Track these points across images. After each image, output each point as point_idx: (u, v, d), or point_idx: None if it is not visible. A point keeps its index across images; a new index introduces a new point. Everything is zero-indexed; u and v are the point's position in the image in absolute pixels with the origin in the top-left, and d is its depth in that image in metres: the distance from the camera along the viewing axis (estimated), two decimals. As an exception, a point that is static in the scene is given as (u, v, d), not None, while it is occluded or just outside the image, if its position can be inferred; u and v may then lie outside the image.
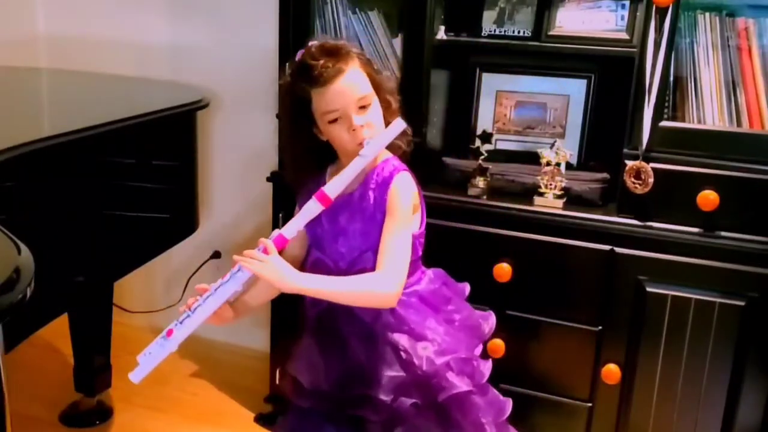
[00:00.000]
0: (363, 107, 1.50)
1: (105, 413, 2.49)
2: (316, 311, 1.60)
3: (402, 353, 1.53)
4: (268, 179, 2.37)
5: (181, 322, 1.45)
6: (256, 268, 1.43)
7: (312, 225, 1.53)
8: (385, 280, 1.48)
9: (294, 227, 1.48)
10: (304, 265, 1.62)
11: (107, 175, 2.00)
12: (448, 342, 1.56)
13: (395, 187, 1.51)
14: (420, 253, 1.61)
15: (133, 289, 2.98)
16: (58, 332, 2.43)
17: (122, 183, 2.06)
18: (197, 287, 1.49)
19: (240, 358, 2.91)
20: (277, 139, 2.35)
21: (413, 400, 1.51)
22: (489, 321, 1.70)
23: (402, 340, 1.54)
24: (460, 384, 1.54)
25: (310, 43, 1.55)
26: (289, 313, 2.35)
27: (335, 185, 1.47)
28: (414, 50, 2.11)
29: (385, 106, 1.55)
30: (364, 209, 1.53)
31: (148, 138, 2.14)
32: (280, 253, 1.47)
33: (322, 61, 1.47)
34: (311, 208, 1.47)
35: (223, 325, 1.55)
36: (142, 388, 2.62)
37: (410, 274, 1.55)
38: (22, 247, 1.20)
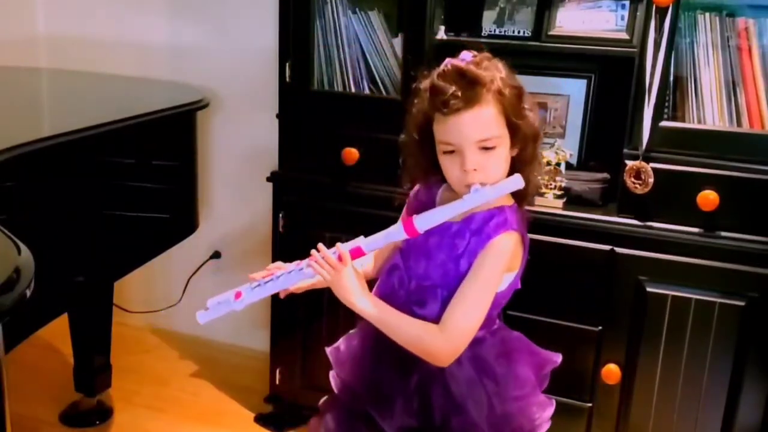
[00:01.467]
0: (485, 149, 1.36)
1: (105, 413, 2.49)
2: None
3: (426, 399, 1.45)
4: (268, 179, 2.37)
5: (252, 288, 1.47)
6: (325, 275, 1.39)
7: None
8: (443, 340, 1.37)
9: (374, 244, 1.42)
10: (383, 265, 1.55)
11: (107, 175, 2.00)
12: (477, 414, 1.44)
13: (493, 247, 1.39)
14: (496, 312, 1.49)
15: (133, 289, 2.97)
16: (58, 332, 2.43)
17: (122, 183, 2.06)
18: (273, 264, 1.51)
19: (240, 358, 2.91)
20: (277, 139, 2.37)
21: None
22: (545, 412, 1.56)
23: (430, 386, 1.45)
24: None
25: (455, 60, 1.42)
26: (289, 313, 2.35)
27: (427, 220, 1.38)
28: (414, 50, 2.11)
29: (518, 152, 1.42)
30: (455, 247, 1.42)
31: (148, 138, 2.14)
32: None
33: (453, 89, 1.34)
34: (395, 234, 1.40)
35: (287, 295, 1.55)
36: (142, 387, 2.65)
37: (480, 328, 1.43)
38: (22, 247, 1.19)
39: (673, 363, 1.95)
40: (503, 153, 1.39)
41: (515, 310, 2.07)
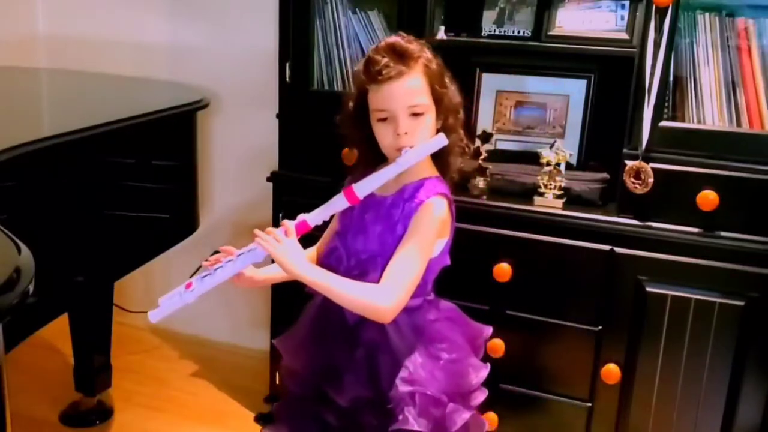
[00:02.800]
0: (414, 114, 1.49)
1: (105, 413, 2.49)
2: (321, 297, 1.58)
3: (374, 369, 1.52)
4: (268, 179, 2.37)
5: (202, 278, 1.51)
6: (270, 248, 1.46)
7: (344, 215, 1.56)
8: (384, 296, 1.47)
9: (318, 216, 1.51)
10: (323, 250, 1.64)
11: (107, 175, 2.00)
12: (421, 375, 1.51)
13: (424, 210, 1.50)
14: (430, 278, 1.58)
15: (133, 289, 2.98)
16: (58, 332, 2.43)
17: (122, 183, 2.06)
18: (222, 248, 1.54)
19: (240, 358, 2.91)
20: (277, 139, 2.37)
21: (370, 417, 1.50)
22: (480, 373, 1.62)
23: (376, 355, 1.53)
24: (414, 422, 1.47)
25: (387, 38, 1.56)
26: (289, 313, 2.35)
27: (365, 186, 1.49)
28: (414, 50, 2.11)
29: (442, 121, 1.54)
30: (391, 216, 1.53)
31: (148, 138, 2.14)
32: (303, 239, 1.49)
33: (385, 60, 1.48)
34: (337, 203, 1.50)
35: (245, 287, 1.59)
36: (142, 387, 2.65)
37: (413, 296, 1.52)
38: (22, 247, 1.20)
39: (673, 363, 1.95)
40: (430, 121, 1.52)
41: (515, 310, 2.08)
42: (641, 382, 2.00)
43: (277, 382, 2.44)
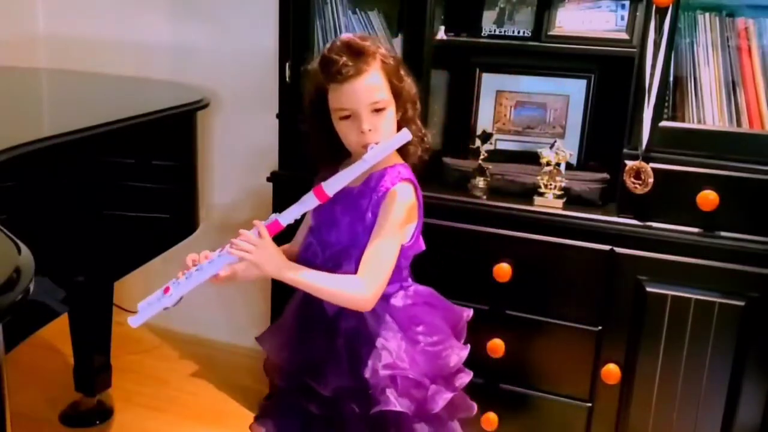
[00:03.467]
0: (376, 110, 1.51)
1: (105, 413, 2.49)
2: (302, 293, 1.60)
3: (354, 357, 1.54)
4: (268, 179, 2.37)
5: (178, 282, 1.53)
6: (244, 255, 1.46)
7: (316, 210, 1.57)
8: (362, 285, 1.49)
9: (289, 215, 1.52)
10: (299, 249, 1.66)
11: (107, 175, 1.99)
12: (401, 360, 1.53)
13: (391, 197, 1.52)
14: (405, 264, 1.61)
15: (133, 289, 2.97)
16: (58, 332, 2.43)
17: (122, 183, 2.06)
18: (190, 257, 1.55)
19: (240, 358, 2.91)
20: (277, 139, 2.37)
21: (352, 405, 1.52)
22: (461, 353, 1.63)
23: (356, 344, 1.55)
24: (396, 403, 1.49)
25: (340, 37, 1.56)
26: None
27: (334, 183, 1.50)
28: (414, 50, 2.11)
29: (402, 113, 1.56)
30: (359, 207, 1.55)
31: (148, 138, 2.14)
32: (277, 237, 1.51)
33: (343, 59, 1.48)
34: (308, 201, 1.51)
35: (224, 285, 1.58)
36: (142, 388, 2.65)
37: (390, 282, 1.54)
38: (22, 247, 1.19)
39: (673, 363, 1.95)
40: (391, 115, 1.54)
41: (515, 310, 2.08)
42: (641, 382, 2.00)
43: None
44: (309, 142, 1.66)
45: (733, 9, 1.90)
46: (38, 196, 1.76)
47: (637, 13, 2.03)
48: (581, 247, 1.99)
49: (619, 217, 1.98)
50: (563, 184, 2.05)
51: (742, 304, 1.88)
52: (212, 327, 3.02)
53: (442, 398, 1.57)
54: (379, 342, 1.55)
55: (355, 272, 1.51)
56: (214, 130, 2.83)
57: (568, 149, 2.06)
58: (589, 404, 2.06)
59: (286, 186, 2.34)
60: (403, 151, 1.58)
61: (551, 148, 2.05)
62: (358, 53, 1.50)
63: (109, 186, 2.01)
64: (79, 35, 2.96)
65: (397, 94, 1.55)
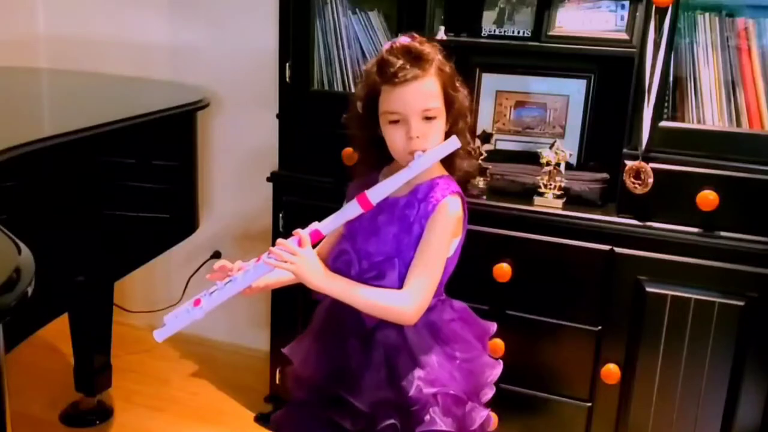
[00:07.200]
0: (427, 118, 1.48)
1: (105, 413, 2.49)
2: (329, 301, 1.58)
3: (393, 370, 1.50)
4: (268, 179, 2.37)
5: (210, 294, 1.47)
6: (288, 267, 1.44)
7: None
8: (409, 299, 1.47)
9: (331, 224, 1.49)
10: (329, 254, 1.60)
11: (107, 175, 2.00)
12: (441, 375, 1.51)
13: (441, 210, 1.49)
14: (444, 278, 1.56)
15: (133, 289, 2.98)
16: (58, 332, 2.43)
17: (122, 183, 2.06)
18: (236, 265, 1.50)
19: (240, 358, 2.91)
20: (277, 139, 2.37)
21: (392, 421, 1.47)
22: (495, 370, 1.62)
23: (397, 357, 1.51)
24: (441, 423, 1.47)
25: (398, 38, 1.54)
26: (289, 313, 2.35)
27: (379, 191, 1.47)
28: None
29: (451, 125, 1.53)
30: (406, 217, 1.51)
31: (148, 138, 2.14)
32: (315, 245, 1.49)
33: (401, 62, 1.46)
34: (351, 210, 1.48)
35: (254, 295, 1.56)
36: (142, 387, 2.65)
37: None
38: (22, 247, 1.20)
39: (673, 363, 1.96)
40: (441, 125, 1.51)
41: (515, 310, 2.08)
42: (641, 382, 2.00)
43: (277, 382, 2.44)
44: (354, 144, 1.64)
45: (733, 9, 1.90)
46: (38, 196, 1.76)
47: (637, 14, 2.03)
48: (581, 247, 1.99)
49: (618, 217, 1.98)
50: (563, 184, 2.05)
51: (741, 304, 1.88)
52: (212, 327, 3.01)
53: (479, 416, 1.55)
54: (419, 356, 1.51)
55: (399, 284, 1.48)
56: (214, 130, 2.83)
57: (567, 149, 2.06)
58: (589, 404, 2.06)
59: (286, 186, 2.35)
60: (448, 162, 1.55)
61: (551, 148, 2.05)
62: (417, 58, 1.47)
63: (109, 186, 2.01)
64: (79, 35, 2.96)
65: (449, 104, 1.51)
